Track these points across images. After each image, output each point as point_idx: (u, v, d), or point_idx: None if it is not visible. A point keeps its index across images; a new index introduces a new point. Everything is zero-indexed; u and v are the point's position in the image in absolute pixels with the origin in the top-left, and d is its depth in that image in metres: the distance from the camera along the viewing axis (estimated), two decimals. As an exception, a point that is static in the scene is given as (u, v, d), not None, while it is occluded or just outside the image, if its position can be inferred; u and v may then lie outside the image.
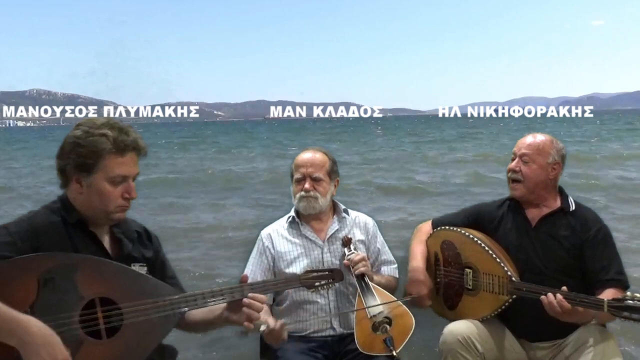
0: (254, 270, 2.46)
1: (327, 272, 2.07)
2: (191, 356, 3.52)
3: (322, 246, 2.46)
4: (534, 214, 2.42)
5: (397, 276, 2.56)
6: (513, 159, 2.43)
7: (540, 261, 2.33)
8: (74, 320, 1.59)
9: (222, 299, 1.82)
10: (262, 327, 2.14)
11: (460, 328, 2.30)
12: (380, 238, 2.59)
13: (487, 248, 2.34)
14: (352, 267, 2.30)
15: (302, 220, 2.51)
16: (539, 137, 2.41)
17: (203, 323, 1.94)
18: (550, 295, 2.08)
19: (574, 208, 2.39)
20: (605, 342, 2.17)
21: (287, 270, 2.41)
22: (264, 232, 2.54)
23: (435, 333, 2.44)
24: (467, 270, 2.40)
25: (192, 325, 1.96)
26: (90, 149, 1.69)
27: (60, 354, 1.51)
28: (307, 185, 2.42)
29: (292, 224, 2.52)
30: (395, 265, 2.58)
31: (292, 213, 2.55)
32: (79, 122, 1.77)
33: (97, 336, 1.62)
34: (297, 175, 2.46)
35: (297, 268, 2.39)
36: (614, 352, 2.18)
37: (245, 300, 1.81)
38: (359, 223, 2.56)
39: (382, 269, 2.55)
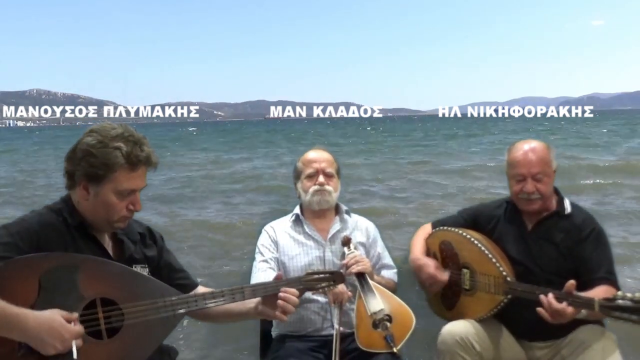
0: (265, 259, 2.45)
1: (328, 275, 2.09)
2: (191, 356, 3.54)
3: (325, 245, 2.47)
4: (530, 218, 2.41)
5: (397, 280, 2.56)
6: (521, 181, 2.33)
7: (536, 265, 2.34)
8: None
9: (222, 300, 1.83)
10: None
11: (458, 328, 2.31)
12: (380, 242, 2.60)
13: (483, 248, 2.35)
14: (350, 266, 2.30)
15: (305, 218, 2.53)
16: (538, 149, 2.34)
17: (233, 314, 1.98)
18: (550, 295, 2.07)
19: (569, 211, 2.39)
20: (604, 341, 2.18)
21: (288, 265, 2.43)
22: (267, 227, 2.56)
23: (433, 333, 2.46)
24: (465, 270, 2.41)
25: (220, 315, 1.99)
26: (102, 160, 1.69)
27: (66, 332, 1.52)
28: (321, 179, 2.45)
29: (296, 221, 2.54)
30: (395, 270, 2.59)
31: (297, 211, 2.56)
32: (92, 127, 1.77)
33: (98, 336, 1.63)
34: (309, 171, 2.48)
35: (298, 264, 2.41)
36: (613, 350, 2.17)
37: (281, 294, 1.88)
38: (360, 226, 2.57)
39: (382, 272, 2.55)
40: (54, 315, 1.53)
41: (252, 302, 1.92)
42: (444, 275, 2.43)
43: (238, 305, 1.94)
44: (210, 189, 11.44)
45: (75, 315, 1.58)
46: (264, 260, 2.45)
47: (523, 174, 2.32)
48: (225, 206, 9.26)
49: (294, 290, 1.90)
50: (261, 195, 10.18)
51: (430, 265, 2.45)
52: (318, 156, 2.51)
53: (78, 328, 1.56)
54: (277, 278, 1.94)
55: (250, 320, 2.55)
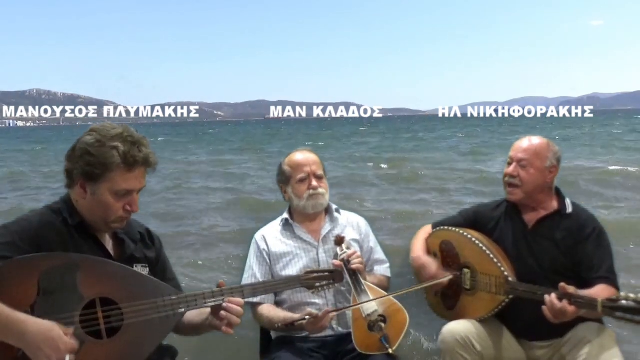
0: (254, 273, 2.45)
1: (327, 273, 2.08)
2: (191, 356, 3.53)
3: (317, 246, 2.46)
4: (530, 217, 2.42)
5: (389, 275, 2.56)
6: (509, 164, 2.42)
7: (537, 264, 2.34)
8: (74, 320, 1.60)
9: (222, 300, 1.82)
10: (307, 317, 2.16)
11: (458, 328, 2.31)
12: (372, 237, 2.60)
13: (484, 248, 2.35)
14: (349, 263, 2.29)
15: (295, 221, 2.51)
16: (535, 141, 2.40)
17: (190, 327, 1.94)
18: (553, 295, 2.07)
19: (570, 210, 2.39)
20: (603, 337, 2.18)
21: (283, 273, 2.41)
22: (258, 235, 2.53)
23: (434, 333, 2.46)
24: (465, 270, 2.41)
25: (181, 328, 1.96)
26: (99, 159, 1.68)
27: (62, 345, 1.52)
28: (314, 183, 2.42)
29: (286, 226, 2.51)
30: (387, 265, 2.59)
31: (286, 215, 2.54)
32: (93, 126, 1.76)
33: (98, 336, 1.63)
34: (301, 175, 2.43)
35: (293, 270, 2.39)
36: (612, 347, 2.18)
37: (223, 304, 1.79)
38: (352, 223, 2.57)
39: (375, 268, 2.55)
40: (53, 326, 1.53)
41: (204, 314, 1.86)
42: (445, 277, 2.43)
43: (196, 317, 1.90)
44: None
45: (71, 330, 1.57)
46: (252, 277, 2.44)
47: (511, 157, 2.42)
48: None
49: (238, 300, 1.81)
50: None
51: (432, 266, 2.45)
52: (306, 159, 2.46)
53: (73, 343, 1.56)
54: (219, 286, 1.82)
55: (251, 321, 2.55)
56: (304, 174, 2.43)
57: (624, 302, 1.91)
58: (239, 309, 1.79)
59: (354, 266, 2.29)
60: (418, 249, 2.55)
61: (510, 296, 2.25)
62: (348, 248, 2.37)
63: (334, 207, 2.57)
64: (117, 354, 1.66)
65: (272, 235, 2.50)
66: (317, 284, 2.05)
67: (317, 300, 2.37)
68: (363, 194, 9.94)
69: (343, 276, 2.14)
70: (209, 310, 1.83)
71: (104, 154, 1.68)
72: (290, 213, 2.54)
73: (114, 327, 1.66)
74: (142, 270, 1.85)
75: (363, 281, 2.29)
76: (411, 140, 29.92)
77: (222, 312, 1.78)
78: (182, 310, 1.77)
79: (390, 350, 2.15)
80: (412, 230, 2.73)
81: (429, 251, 2.56)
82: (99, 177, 1.70)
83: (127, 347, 1.67)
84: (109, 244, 1.84)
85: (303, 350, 2.30)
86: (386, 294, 2.32)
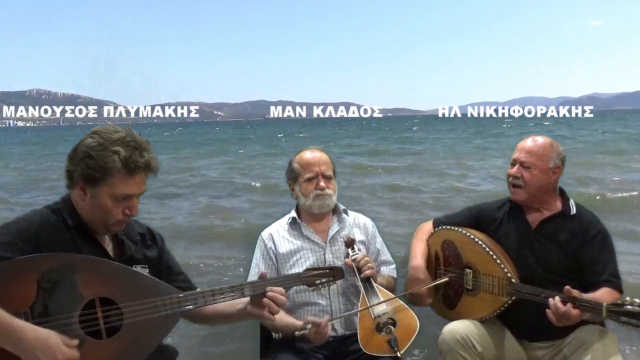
0: (260, 272, 2.44)
1: (327, 270, 2.08)
2: (191, 356, 3.53)
3: (324, 247, 2.45)
4: (534, 217, 2.41)
5: (396, 276, 2.56)
6: (513, 165, 2.42)
7: (540, 265, 2.33)
8: (74, 321, 1.60)
9: (222, 298, 1.82)
10: (308, 326, 2.16)
11: (459, 328, 2.30)
12: (379, 238, 2.59)
13: (487, 249, 2.35)
14: (361, 269, 2.30)
15: (303, 221, 2.51)
16: (538, 142, 2.40)
17: (223, 316, 1.96)
18: (557, 298, 2.07)
19: (575, 212, 2.38)
20: (605, 341, 2.18)
21: (289, 270, 2.40)
22: (265, 233, 2.53)
23: (434, 332, 2.45)
24: (467, 270, 2.41)
25: (211, 317, 1.98)
26: (99, 163, 1.68)
27: (60, 354, 1.51)
28: (322, 184, 2.42)
29: (293, 224, 2.51)
30: (394, 266, 2.59)
31: (293, 214, 2.53)
32: (95, 128, 1.76)
33: (98, 336, 1.63)
34: (309, 174, 2.43)
35: (299, 269, 2.37)
36: (613, 351, 2.17)
37: (269, 294, 1.85)
38: (358, 223, 2.56)
39: (382, 269, 2.55)
40: (52, 335, 1.53)
41: (241, 303, 1.89)
42: (429, 300, 2.47)
43: (227, 307, 1.92)
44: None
45: (75, 342, 1.56)
46: (258, 275, 2.43)
47: (514, 158, 2.42)
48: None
49: (280, 289, 1.88)
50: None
51: (422, 288, 2.44)
52: (316, 158, 2.46)
53: (74, 354, 1.55)
54: (260, 277, 1.91)
55: (251, 321, 2.54)
56: (312, 173, 2.43)
57: (629, 307, 1.90)
58: (283, 298, 1.87)
59: (368, 272, 2.29)
60: (419, 257, 2.52)
61: (513, 298, 2.25)
62: (358, 250, 2.38)
63: (342, 207, 2.56)
64: (117, 353, 1.66)
65: (278, 234, 2.49)
66: (318, 281, 2.05)
67: (320, 301, 2.37)
68: (346, 197, 9.61)
69: (343, 273, 2.14)
70: (246, 300, 1.88)
71: (104, 158, 1.68)
72: (297, 212, 2.54)
73: (114, 327, 1.66)
74: (141, 270, 1.85)
75: (374, 284, 2.30)
76: (405, 141, 29.70)
77: (266, 300, 1.85)
78: (182, 309, 1.77)
79: (398, 354, 2.15)
80: (406, 233, 2.71)
81: (430, 250, 2.56)
82: (99, 181, 1.70)
83: (127, 347, 1.67)
84: (108, 244, 1.84)
85: (304, 350, 2.30)
86: (393, 295, 2.32)
